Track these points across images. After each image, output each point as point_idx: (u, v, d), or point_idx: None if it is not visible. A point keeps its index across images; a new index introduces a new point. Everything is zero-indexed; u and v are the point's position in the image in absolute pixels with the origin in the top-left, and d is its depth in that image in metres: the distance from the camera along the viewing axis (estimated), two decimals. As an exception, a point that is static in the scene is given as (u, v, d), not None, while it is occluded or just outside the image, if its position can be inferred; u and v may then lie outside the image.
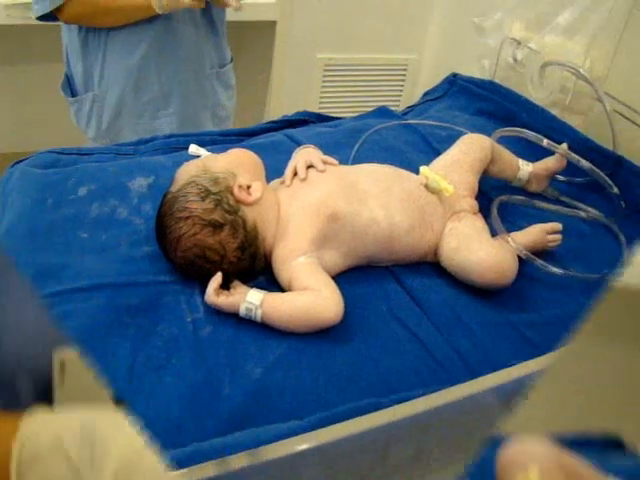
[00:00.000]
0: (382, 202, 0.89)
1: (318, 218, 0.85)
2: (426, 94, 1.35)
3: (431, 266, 0.92)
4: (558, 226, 0.95)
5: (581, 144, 1.08)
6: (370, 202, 0.88)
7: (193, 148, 1.01)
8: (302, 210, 0.87)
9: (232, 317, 0.80)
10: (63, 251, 0.87)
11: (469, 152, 0.99)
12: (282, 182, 0.93)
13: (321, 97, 2.05)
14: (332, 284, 0.81)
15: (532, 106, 1.16)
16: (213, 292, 0.80)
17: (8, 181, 1.01)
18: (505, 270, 0.86)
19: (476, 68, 1.27)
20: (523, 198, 1.02)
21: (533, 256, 0.89)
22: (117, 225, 0.92)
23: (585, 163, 0.97)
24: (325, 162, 0.93)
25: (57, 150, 1.07)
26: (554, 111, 1.13)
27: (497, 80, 1.26)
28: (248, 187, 0.86)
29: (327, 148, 1.07)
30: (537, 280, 0.92)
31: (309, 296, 0.80)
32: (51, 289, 0.81)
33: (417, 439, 0.61)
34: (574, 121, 1.12)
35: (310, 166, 0.92)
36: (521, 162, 1.05)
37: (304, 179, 0.90)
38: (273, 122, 1.19)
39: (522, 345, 0.82)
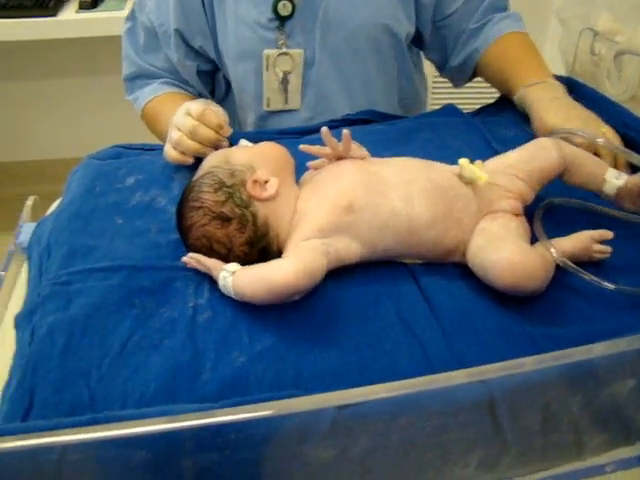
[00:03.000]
0: (402, 193, 0.84)
1: (332, 210, 0.83)
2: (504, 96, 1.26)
3: (456, 268, 0.85)
4: (608, 234, 0.84)
5: (656, 144, 0.94)
6: (390, 193, 0.84)
7: (243, 143, 1.03)
8: (318, 204, 0.85)
9: (233, 305, 0.80)
10: (97, 234, 0.92)
11: (530, 161, 0.88)
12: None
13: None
14: (304, 255, 0.78)
15: (607, 103, 1.03)
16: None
17: (76, 172, 1.09)
18: (527, 274, 0.77)
19: (561, 63, 1.16)
20: (579, 201, 0.91)
21: (575, 266, 0.79)
22: (152, 213, 0.95)
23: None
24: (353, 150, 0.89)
25: (124, 145, 1.13)
26: (636, 108, 1.00)
27: (578, 75, 1.14)
28: (266, 182, 0.85)
29: (377, 145, 1.04)
30: (579, 292, 0.81)
31: (271, 262, 0.79)
32: (76, 268, 0.86)
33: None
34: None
35: (340, 158, 0.90)
36: (610, 174, 0.90)
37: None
38: (334, 120, 1.17)
39: (535, 360, 0.73)
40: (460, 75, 1.35)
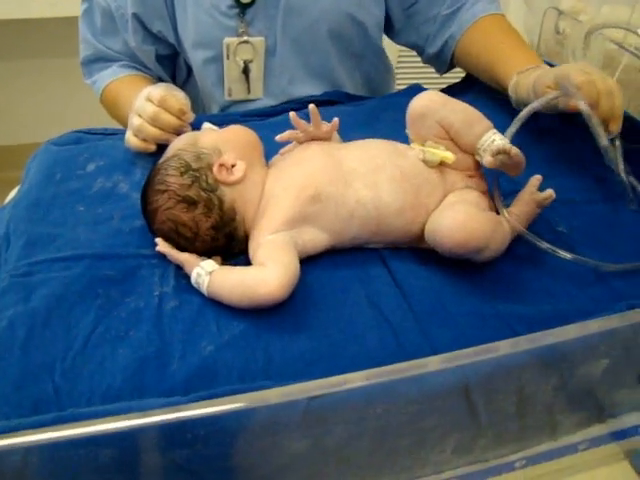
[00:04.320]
0: (370, 182, 0.82)
1: (298, 199, 0.81)
2: (470, 74, 1.24)
3: (426, 252, 0.84)
4: (537, 177, 0.83)
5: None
6: (356, 183, 0.82)
7: (206, 126, 1.00)
8: (284, 190, 0.83)
9: (199, 293, 0.78)
10: (58, 223, 0.89)
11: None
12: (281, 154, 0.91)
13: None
14: (285, 261, 0.76)
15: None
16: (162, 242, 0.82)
17: (35, 158, 1.05)
18: (471, 234, 0.76)
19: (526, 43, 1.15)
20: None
21: (532, 234, 0.79)
22: (115, 199, 0.93)
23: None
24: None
25: (84, 130, 1.10)
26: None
27: (544, 55, 1.14)
28: (233, 166, 0.84)
29: (345, 126, 1.02)
30: (543, 268, 0.81)
31: (252, 270, 0.77)
32: (36, 258, 0.83)
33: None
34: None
35: (313, 139, 0.89)
36: (483, 139, 0.82)
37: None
38: (299, 102, 1.15)
39: (507, 340, 0.73)
40: (440, 63, 1.29)
